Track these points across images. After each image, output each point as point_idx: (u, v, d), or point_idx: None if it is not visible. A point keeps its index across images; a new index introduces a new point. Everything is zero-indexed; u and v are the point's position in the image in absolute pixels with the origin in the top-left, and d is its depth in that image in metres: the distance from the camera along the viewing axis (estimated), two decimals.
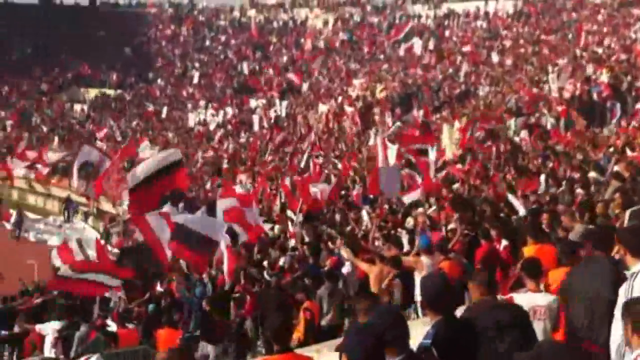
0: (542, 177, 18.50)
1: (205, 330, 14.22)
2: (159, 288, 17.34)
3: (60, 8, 73.56)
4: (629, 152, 18.36)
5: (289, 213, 22.46)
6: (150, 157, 20.91)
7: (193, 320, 16.24)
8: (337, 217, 21.67)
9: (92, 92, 63.71)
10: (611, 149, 19.44)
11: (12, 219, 38.76)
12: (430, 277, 6.65)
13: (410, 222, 17.52)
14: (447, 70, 42.45)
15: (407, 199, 19.78)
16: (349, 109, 39.88)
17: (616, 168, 16.39)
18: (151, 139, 47.88)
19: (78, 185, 28.60)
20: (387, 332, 4.91)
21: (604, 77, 27.82)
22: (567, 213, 12.38)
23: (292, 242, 19.64)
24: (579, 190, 14.98)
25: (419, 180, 20.63)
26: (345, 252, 14.17)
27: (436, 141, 25.09)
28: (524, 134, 25.31)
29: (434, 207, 18.17)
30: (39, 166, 45.83)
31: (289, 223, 21.56)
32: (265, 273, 16.93)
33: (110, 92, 63.60)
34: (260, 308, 14.93)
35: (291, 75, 54.53)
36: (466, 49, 45.33)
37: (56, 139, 52.43)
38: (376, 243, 16.06)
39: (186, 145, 45.83)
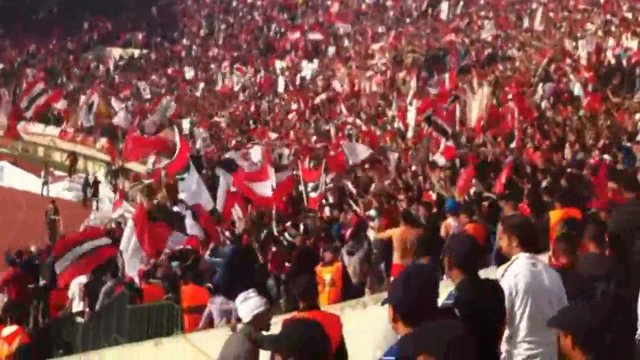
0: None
1: (228, 287, 14.32)
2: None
3: None
4: None
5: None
6: None
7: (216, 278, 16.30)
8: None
9: (117, 52, 63.77)
10: (639, 116, 19.22)
11: (42, 177, 39.10)
12: (458, 236, 6.63)
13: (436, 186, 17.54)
14: (474, 34, 42.07)
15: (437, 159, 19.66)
16: (374, 72, 39.74)
17: None
18: (176, 97, 48.10)
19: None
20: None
21: (634, 44, 27.45)
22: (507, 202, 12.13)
23: None
24: (606, 156, 14.84)
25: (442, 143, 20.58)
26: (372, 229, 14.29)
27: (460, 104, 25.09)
28: (550, 100, 25.11)
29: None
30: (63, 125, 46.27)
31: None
32: (287, 234, 17.05)
33: (136, 51, 63.64)
34: (289, 266, 15.08)
35: (314, 35, 54.34)
36: (495, 12, 44.88)
37: (82, 97, 52.58)
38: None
39: (211, 105, 45.93)
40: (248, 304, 6.29)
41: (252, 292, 6.62)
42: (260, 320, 6.28)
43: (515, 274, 5.71)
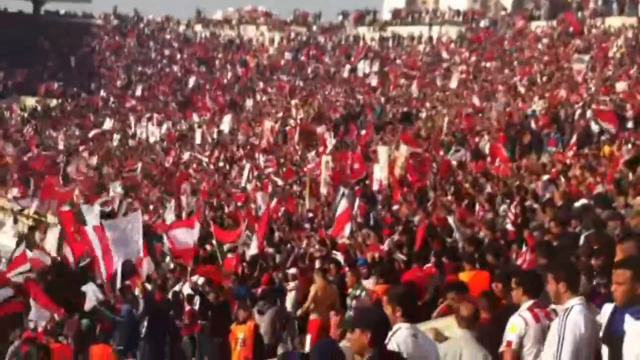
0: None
1: (135, 345, 14.15)
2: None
3: (2, 15, 72.52)
4: (563, 181, 18.69)
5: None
6: None
7: (120, 336, 15.83)
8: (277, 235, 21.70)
9: (32, 101, 62.77)
10: (546, 177, 19.74)
11: None
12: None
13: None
14: (390, 92, 42.96)
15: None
16: (291, 127, 40.14)
17: (548, 195, 16.74)
18: (91, 150, 47.48)
19: None
20: None
21: (541, 106, 28.43)
22: None
23: None
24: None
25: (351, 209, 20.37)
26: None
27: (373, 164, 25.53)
28: (460, 157, 25.71)
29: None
30: None
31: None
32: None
33: (52, 101, 62.73)
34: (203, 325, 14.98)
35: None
36: (410, 72, 45.97)
37: None
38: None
39: (126, 157, 45.49)
40: None
41: None
42: None
43: (398, 343, 5.91)
